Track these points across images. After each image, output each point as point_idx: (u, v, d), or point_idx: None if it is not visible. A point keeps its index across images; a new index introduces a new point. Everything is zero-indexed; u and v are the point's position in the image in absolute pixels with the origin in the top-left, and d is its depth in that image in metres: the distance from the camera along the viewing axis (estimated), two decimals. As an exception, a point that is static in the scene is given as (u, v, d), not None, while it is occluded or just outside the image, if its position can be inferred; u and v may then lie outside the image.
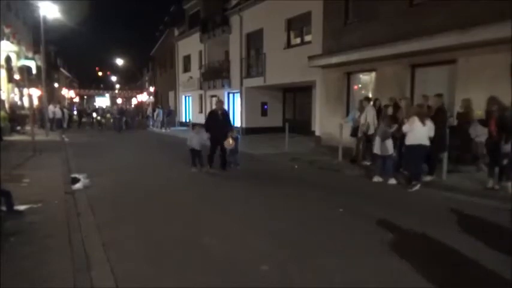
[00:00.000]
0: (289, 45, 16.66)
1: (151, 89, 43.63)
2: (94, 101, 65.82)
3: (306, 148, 13.08)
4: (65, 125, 23.31)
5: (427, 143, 6.87)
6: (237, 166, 9.47)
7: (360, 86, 13.30)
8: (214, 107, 9.98)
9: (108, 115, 26.79)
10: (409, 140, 6.95)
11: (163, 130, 23.59)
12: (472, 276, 3.56)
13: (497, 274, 3.51)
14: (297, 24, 16.26)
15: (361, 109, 9.60)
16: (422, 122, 6.80)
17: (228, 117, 9.55)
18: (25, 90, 18.70)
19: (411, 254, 4.03)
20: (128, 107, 40.91)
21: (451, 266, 3.76)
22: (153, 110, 27.17)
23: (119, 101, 62.60)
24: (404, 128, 7.00)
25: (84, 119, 28.66)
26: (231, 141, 9.03)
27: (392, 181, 7.48)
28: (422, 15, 10.00)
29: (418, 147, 6.86)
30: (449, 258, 3.96)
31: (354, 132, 9.87)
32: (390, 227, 4.89)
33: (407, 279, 3.48)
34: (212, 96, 24.83)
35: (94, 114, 29.05)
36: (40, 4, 17.22)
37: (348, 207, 5.83)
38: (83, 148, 14.18)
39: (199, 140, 9.15)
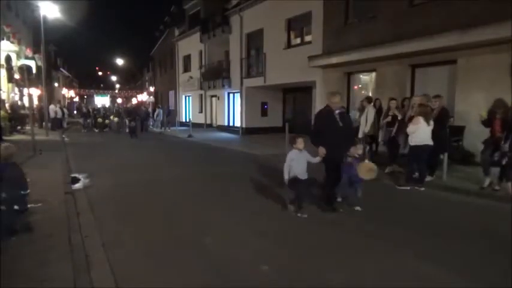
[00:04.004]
0: (289, 45, 16.67)
1: (152, 88, 43.65)
2: (93, 101, 65.78)
3: (306, 148, 13.04)
4: (64, 125, 23.29)
5: (431, 142, 6.84)
6: (356, 206, 5.63)
7: (360, 86, 13.31)
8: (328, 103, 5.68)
9: (116, 119, 22.89)
10: (414, 141, 6.86)
11: (163, 130, 23.58)
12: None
13: None
14: (297, 24, 16.27)
15: (362, 109, 9.59)
16: (427, 121, 6.77)
17: (351, 122, 6.32)
18: (25, 90, 18.69)
19: (411, 253, 4.04)
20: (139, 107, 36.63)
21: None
22: (153, 110, 27.08)
23: (119, 100, 62.62)
24: (409, 129, 6.91)
25: (80, 120, 25.76)
26: (366, 160, 5.82)
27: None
28: (423, 15, 10.00)
29: (422, 148, 6.83)
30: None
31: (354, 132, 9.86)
32: (390, 226, 4.89)
33: (408, 279, 3.49)
34: (212, 96, 24.86)
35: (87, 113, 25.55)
36: (40, 4, 17.22)
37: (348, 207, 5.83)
38: (83, 148, 14.18)
39: (306, 161, 5.42)
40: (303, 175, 5.33)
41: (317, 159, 5.40)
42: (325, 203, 5.64)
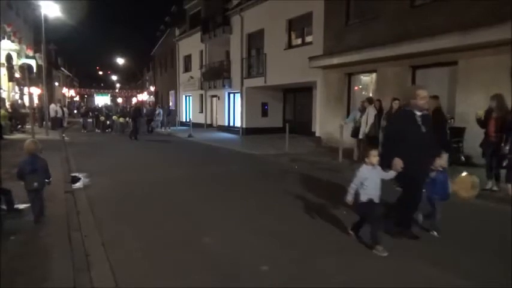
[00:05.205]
0: (290, 45, 16.68)
1: (152, 88, 43.71)
2: (94, 100, 65.78)
3: (307, 148, 13.08)
4: (65, 124, 23.28)
5: None
6: (434, 231, 4.57)
7: (360, 86, 13.31)
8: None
9: (121, 119, 21.11)
10: None
11: (163, 129, 23.58)
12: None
13: None
14: (298, 25, 16.28)
15: (363, 110, 9.59)
16: None
17: (431, 127, 4.44)
18: (26, 89, 18.69)
19: (410, 253, 4.04)
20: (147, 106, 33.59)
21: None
22: (153, 110, 27.05)
23: (119, 100, 62.62)
24: None
25: (80, 120, 24.43)
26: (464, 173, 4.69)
27: None
28: (424, 16, 10.00)
29: None
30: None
31: (355, 133, 9.87)
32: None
33: (407, 279, 3.48)
34: (212, 96, 24.86)
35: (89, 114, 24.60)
36: (41, 3, 17.25)
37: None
38: (83, 148, 14.17)
39: (380, 179, 4.21)
40: (377, 197, 4.17)
41: (391, 175, 4.22)
42: (401, 228, 4.48)
